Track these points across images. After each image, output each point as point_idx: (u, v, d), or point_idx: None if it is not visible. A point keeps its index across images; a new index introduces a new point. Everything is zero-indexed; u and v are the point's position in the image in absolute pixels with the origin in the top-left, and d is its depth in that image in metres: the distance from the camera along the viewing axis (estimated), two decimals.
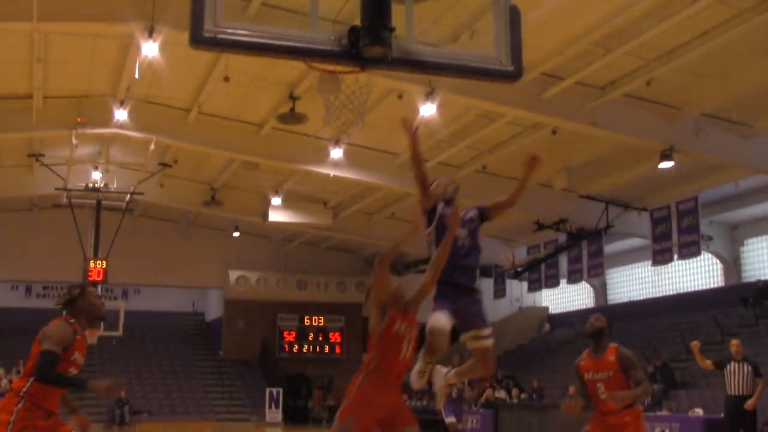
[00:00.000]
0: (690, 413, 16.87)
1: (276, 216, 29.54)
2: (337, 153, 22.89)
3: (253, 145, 23.64)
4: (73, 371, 5.80)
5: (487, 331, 7.02)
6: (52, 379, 5.58)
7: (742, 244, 29.24)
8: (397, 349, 5.93)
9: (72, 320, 5.90)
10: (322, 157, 23.40)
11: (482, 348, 7.02)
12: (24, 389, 5.60)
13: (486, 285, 36.38)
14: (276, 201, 28.76)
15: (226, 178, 27.86)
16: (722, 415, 13.40)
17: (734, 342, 13.56)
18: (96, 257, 28.06)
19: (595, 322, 7.57)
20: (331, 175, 24.68)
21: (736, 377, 13.13)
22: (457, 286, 6.77)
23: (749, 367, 13.14)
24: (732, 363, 13.22)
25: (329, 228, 31.16)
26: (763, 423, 15.57)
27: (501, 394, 25.24)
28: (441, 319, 6.66)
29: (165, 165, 26.15)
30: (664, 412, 17.99)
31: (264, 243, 35.52)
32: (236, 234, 33.67)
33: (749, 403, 12.92)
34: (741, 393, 13.03)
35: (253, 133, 23.34)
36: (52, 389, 5.65)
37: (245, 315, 34.43)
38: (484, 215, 7.11)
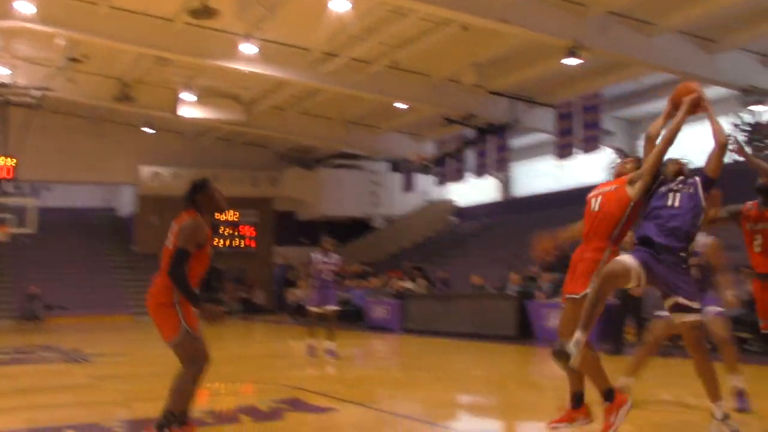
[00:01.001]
0: None
1: (189, 111, 28.96)
2: (249, 48, 22.40)
3: (165, 40, 22.90)
4: None
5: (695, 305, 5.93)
6: None
7: (641, 139, 29.99)
8: None
9: None
10: (235, 53, 22.88)
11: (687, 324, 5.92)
12: None
13: (395, 179, 36.74)
14: (189, 97, 28.14)
15: (138, 74, 27.08)
16: (615, 301, 13.91)
17: (629, 233, 13.97)
18: (5, 154, 27.18)
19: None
20: (246, 71, 24.23)
21: None
22: (658, 246, 5.99)
23: None
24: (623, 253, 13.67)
25: (243, 124, 30.79)
26: (650, 306, 16.27)
27: (408, 284, 25.75)
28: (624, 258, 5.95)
29: (75, 60, 25.17)
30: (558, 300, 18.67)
31: (177, 139, 34.87)
32: (148, 130, 32.97)
33: (636, 288, 13.43)
34: None
35: (164, 28, 22.61)
36: None
37: (159, 210, 33.93)
38: (706, 182, 6.17)
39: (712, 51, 21.54)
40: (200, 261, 5.91)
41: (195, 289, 5.79)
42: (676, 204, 6.00)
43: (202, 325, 5.83)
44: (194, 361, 5.79)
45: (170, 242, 5.90)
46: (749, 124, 23.19)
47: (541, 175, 34.83)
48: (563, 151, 25.98)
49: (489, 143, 28.59)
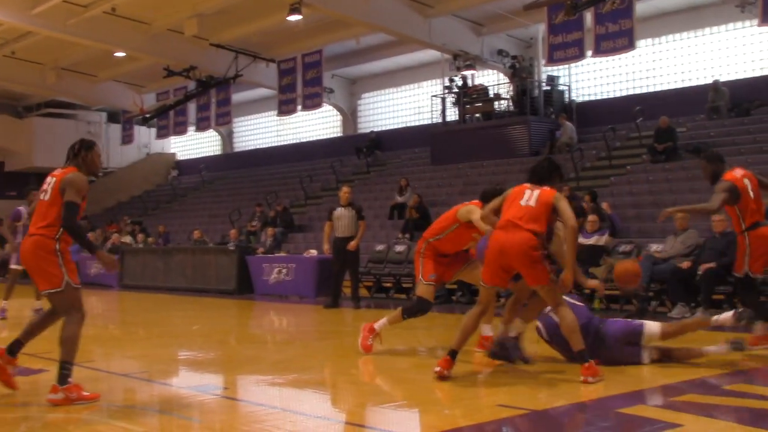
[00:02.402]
0: (305, 254, 17.79)
1: None
2: None
3: None
4: None
5: None
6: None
7: (360, 98, 30.86)
8: None
9: None
10: None
11: None
12: None
13: (114, 131, 35.22)
14: None
15: None
16: (332, 254, 14.26)
17: (344, 189, 14.39)
18: None
19: None
20: None
21: (342, 221, 14.02)
22: None
23: (354, 212, 14.08)
24: (339, 208, 14.08)
25: None
26: (367, 260, 16.89)
27: (127, 239, 24.87)
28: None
29: None
30: (282, 254, 18.84)
31: None
32: None
33: (352, 244, 13.91)
34: (346, 234, 13.98)
35: None
36: None
37: None
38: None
39: (428, 15, 22.48)
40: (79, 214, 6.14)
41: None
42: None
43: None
44: (76, 308, 6.01)
45: (48, 195, 6.09)
46: (459, 87, 24.56)
47: (263, 130, 34.89)
48: (285, 107, 26.12)
49: (211, 97, 28.14)
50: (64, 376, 5.82)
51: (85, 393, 5.91)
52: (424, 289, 8.17)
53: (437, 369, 6.68)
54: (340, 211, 14.12)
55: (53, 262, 5.94)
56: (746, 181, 7.91)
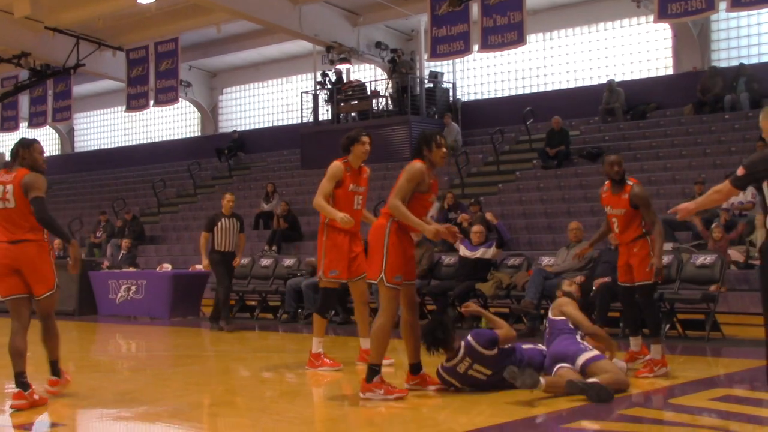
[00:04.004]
0: (158, 269, 17.40)
1: None
2: None
3: None
4: None
5: None
6: None
7: (221, 93, 30.57)
8: None
9: None
10: None
11: None
12: None
13: None
14: None
15: None
16: (211, 270, 13.80)
17: (227, 197, 13.65)
18: None
19: None
20: None
21: (226, 234, 13.42)
22: None
23: (238, 223, 13.55)
24: (223, 218, 13.57)
25: None
26: (250, 277, 16.61)
27: None
28: None
29: None
30: (131, 269, 18.36)
31: None
32: None
33: (237, 261, 13.60)
34: (229, 249, 13.48)
35: None
36: None
37: None
38: None
39: (298, 2, 22.46)
40: None
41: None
42: None
43: None
44: (54, 309, 7.15)
45: (13, 202, 6.91)
46: (332, 83, 24.66)
47: (109, 127, 34.16)
48: (135, 101, 25.59)
49: (48, 89, 27.32)
50: (58, 372, 7.49)
51: None
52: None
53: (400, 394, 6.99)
54: (224, 222, 13.53)
55: (51, 265, 7.02)
56: None
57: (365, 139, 8.62)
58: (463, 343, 7.22)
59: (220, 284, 13.64)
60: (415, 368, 7.36)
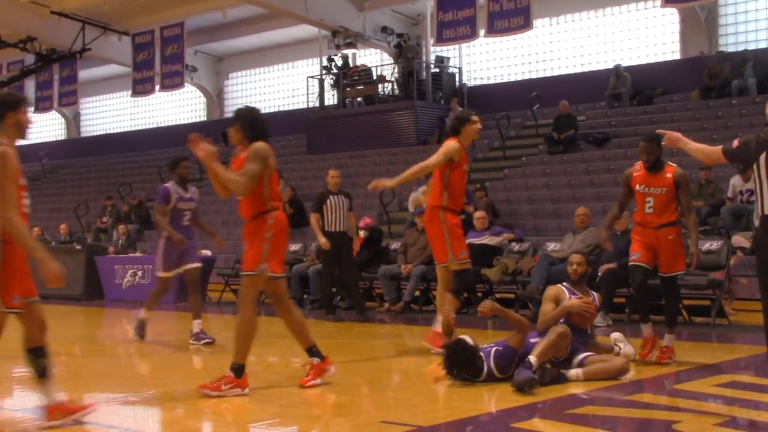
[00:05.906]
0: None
1: None
2: None
3: None
4: None
5: None
6: None
7: (227, 78, 30.53)
8: None
9: None
10: None
11: None
12: None
13: None
14: None
15: None
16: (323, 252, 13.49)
17: (332, 172, 13.16)
18: None
19: None
20: None
21: (336, 213, 12.54)
22: None
23: (348, 201, 12.76)
24: (332, 196, 12.63)
25: None
26: (234, 262, 16.62)
27: None
28: None
29: None
30: (138, 254, 18.43)
31: None
32: None
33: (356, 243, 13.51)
34: (341, 228, 12.62)
35: None
36: None
37: None
38: None
39: None
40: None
41: None
42: None
43: None
44: None
45: None
46: (338, 68, 24.61)
47: (115, 112, 34.15)
48: (141, 86, 25.63)
49: (54, 74, 27.35)
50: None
51: None
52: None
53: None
54: (333, 201, 12.59)
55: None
56: None
57: (475, 118, 8.66)
58: (485, 366, 7.09)
59: (323, 274, 12.96)
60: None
